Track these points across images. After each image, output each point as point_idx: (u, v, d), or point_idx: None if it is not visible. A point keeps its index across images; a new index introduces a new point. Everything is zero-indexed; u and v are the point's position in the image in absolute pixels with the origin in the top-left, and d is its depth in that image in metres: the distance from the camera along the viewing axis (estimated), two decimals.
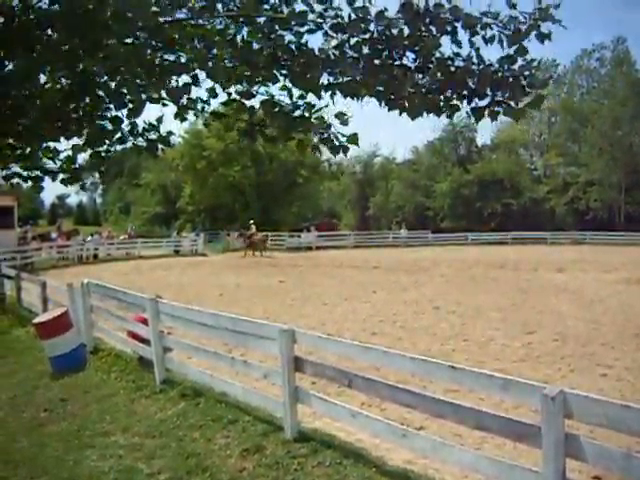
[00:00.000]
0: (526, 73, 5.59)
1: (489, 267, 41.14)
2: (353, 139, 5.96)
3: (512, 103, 5.71)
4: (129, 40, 5.65)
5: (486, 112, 5.81)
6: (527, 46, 5.50)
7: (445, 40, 5.54)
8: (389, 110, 5.77)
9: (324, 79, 5.77)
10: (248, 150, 71.61)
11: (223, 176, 76.37)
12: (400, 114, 5.82)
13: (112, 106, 6.06)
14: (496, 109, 5.77)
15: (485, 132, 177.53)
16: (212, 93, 6.28)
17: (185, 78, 6.08)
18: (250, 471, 8.07)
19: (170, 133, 6.51)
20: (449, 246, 71.04)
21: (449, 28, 5.45)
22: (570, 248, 65.64)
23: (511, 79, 5.59)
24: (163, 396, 11.29)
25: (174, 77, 6.05)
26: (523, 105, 5.79)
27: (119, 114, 6.14)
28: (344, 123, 5.94)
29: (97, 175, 7.49)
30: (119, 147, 6.66)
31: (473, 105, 5.82)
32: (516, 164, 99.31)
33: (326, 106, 6.06)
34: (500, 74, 5.58)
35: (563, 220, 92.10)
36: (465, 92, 5.74)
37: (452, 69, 5.63)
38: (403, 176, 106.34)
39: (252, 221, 60.12)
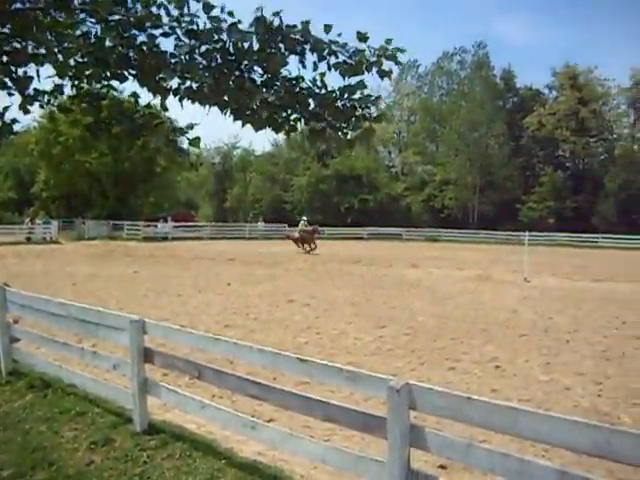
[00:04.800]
0: (363, 106, 5.85)
1: (345, 262, 41.73)
2: (195, 142, 6.01)
3: (345, 131, 5.98)
4: None
5: (321, 136, 6.03)
6: (367, 82, 5.81)
7: (293, 61, 5.69)
8: (234, 120, 5.91)
9: (173, 83, 5.77)
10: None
11: (79, 163, 74.41)
12: (243, 125, 5.91)
13: None
14: (330, 134, 5.98)
15: None
16: (59, 88, 6.16)
17: (32, 69, 5.96)
18: (98, 464, 7.96)
19: (14, 121, 6.35)
20: None
21: (298, 49, 5.59)
22: (425, 245, 67.32)
23: (349, 108, 5.82)
24: (9, 388, 11.02)
25: (21, 67, 5.92)
26: (354, 136, 6.06)
27: None
28: (189, 128, 6.01)
29: None
30: None
31: (310, 127, 6.01)
32: (374, 161, 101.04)
33: (169, 118, 6.12)
34: (340, 102, 5.79)
35: (419, 217, 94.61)
36: (305, 114, 5.92)
37: (297, 89, 5.78)
38: (262, 169, 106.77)
39: (305, 218, 57.19)
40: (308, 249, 51.74)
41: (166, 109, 5.98)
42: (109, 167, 75.80)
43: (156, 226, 70.91)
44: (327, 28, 5.57)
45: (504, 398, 10.71)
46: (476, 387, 11.84)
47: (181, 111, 6.15)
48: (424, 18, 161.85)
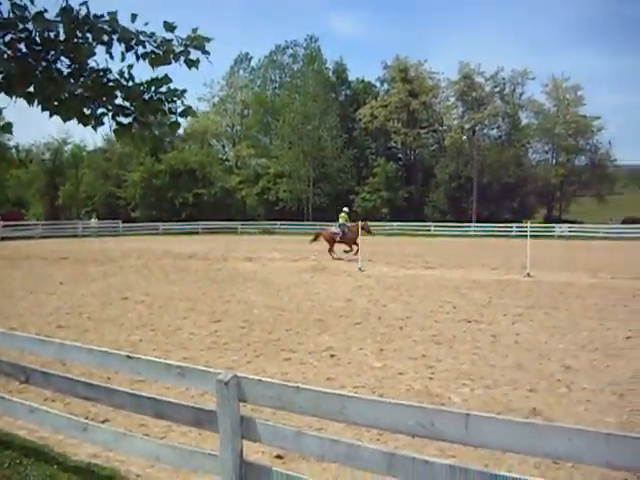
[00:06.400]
0: (169, 99, 5.89)
1: (179, 257, 41.57)
2: (5, 128, 5.91)
3: (152, 128, 6.04)
4: None
5: (128, 132, 6.05)
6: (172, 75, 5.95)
7: (101, 52, 5.65)
8: (42, 111, 5.82)
9: None
10: None
11: None
12: (51, 116, 5.84)
13: None
14: (136, 129, 6.01)
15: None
16: None
17: None
18: None
19: None
20: (140, 236, 71.12)
21: (105, 38, 5.57)
22: (260, 238, 67.77)
23: (156, 102, 5.86)
24: None
25: None
26: (160, 132, 6.12)
27: None
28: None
29: None
30: None
31: (117, 121, 6.02)
32: (208, 155, 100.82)
33: None
34: (147, 95, 5.81)
35: (254, 210, 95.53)
36: (112, 107, 5.91)
37: (104, 81, 5.76)
38: (94, 165, 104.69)
39: (346, 209, 43.89)
40: (349, 250, 40.39)
41: None
42: None
43: None
44: (133, 17, 5.57)
45: (339, 386, 10.94)
46: (312, 376, 12.00)
47: None
48: (258, 11, 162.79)
